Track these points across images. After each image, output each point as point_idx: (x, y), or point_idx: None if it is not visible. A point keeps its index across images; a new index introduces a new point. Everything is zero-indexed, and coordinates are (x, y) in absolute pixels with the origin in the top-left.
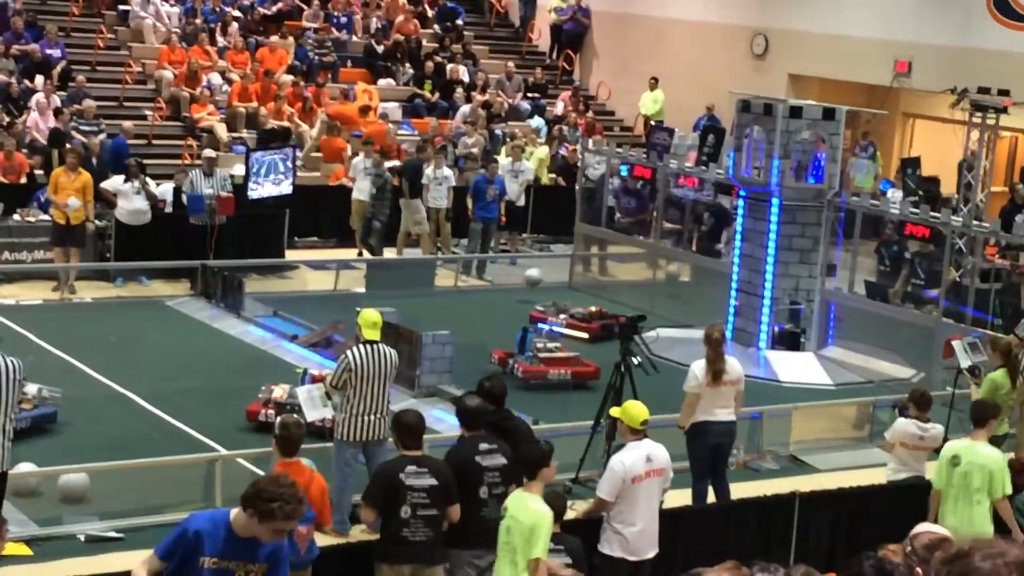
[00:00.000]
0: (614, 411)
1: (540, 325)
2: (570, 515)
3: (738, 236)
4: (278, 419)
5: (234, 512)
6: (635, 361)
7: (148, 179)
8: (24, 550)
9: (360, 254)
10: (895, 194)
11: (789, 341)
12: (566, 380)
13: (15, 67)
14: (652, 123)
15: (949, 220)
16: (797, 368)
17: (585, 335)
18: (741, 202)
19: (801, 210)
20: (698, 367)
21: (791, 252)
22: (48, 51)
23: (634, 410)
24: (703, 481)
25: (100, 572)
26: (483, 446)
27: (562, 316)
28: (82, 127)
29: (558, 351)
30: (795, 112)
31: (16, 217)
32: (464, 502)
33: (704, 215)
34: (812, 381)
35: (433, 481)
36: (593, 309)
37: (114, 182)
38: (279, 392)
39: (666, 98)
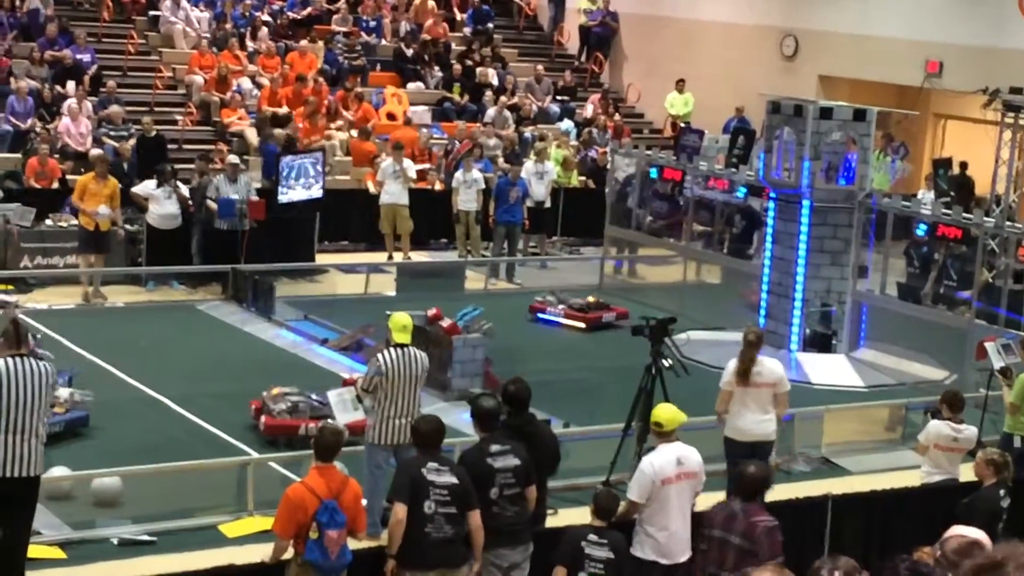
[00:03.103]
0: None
1: (539, 316)
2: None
3: (769, 238)
4: (319, 424)
5: None
6: (666, 363)
7: (179, 183)
8: (58, 553)
9: (390, 257)
10: (926, 195)
11: (820, 343)
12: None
13: (47, 73)
14: (681, 125)
15: (981, 221)
16: (829, 370)
17: (582, 325)
18: (771, 204)
19: (832, 211)
20: (730, 365)
21: (822, 254)
22: (79, 56)
23: (663, 414)
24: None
25: (133, 575)
26: (495, 447)
27: (561, 306)
28: (111, 133)
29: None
30: (825, 113)
31: (48, 222)
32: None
33: (734, 217)
34: (844, 383)
35: (454, 479)
36: (591, 300)
37: (146, 187)
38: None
39: (695, 100)
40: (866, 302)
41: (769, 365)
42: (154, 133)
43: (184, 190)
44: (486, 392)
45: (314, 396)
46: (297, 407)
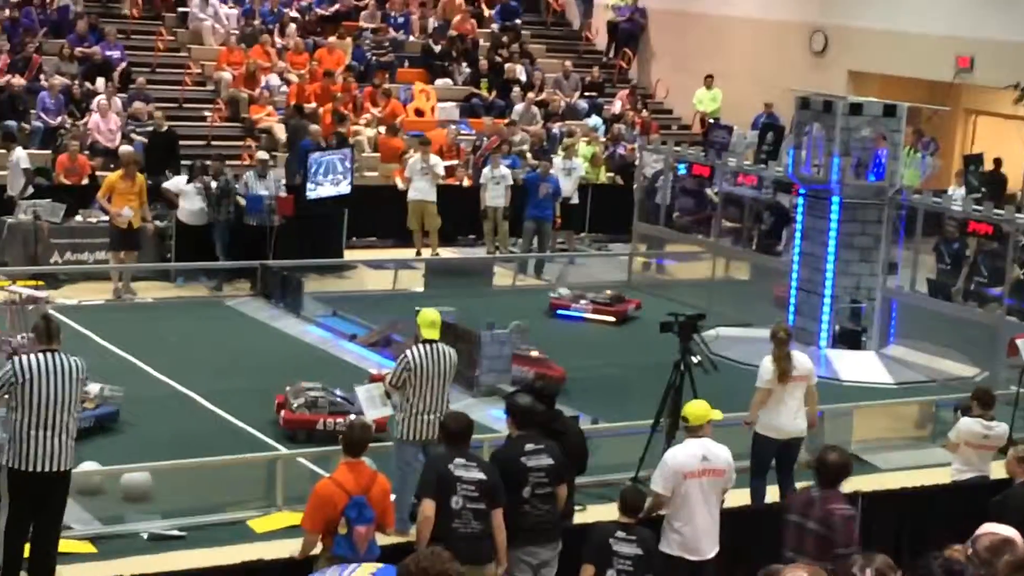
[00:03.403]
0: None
1: (560, 312)
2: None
3: (798, 234)
4: (349, 419)
5: None
6: (694, 360)
7: (210, 179)
8: (88, 547)
9: (418, 254)
10: (957, 191)
11: (850, 340)
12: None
13: (77, 70)
14: (710, 121)
15: (1013, 217)
16: (858, 367)
17: (612, 318)
18: (801, 200)
19: (862, 208)
20: (766, 364)
21: (852, 250)
22: (109, 53)
23: (690, 409)
24: (760, 478)
25: (163, 570)
26: (529, 446)
27: (583, 302)
28: (138, 129)
29: (528, 350)
30: (855, 109)
31: (78, 218)
32: (508, 501)
33: (763, 213)
34: (873, 380)
35: (482, 475)
36: (609, 292)
37: (176, 182)
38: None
39: (724, 96)
40: (896, 298)
41: (800, 358)
42: (165, 128)
43: (215, 186)
44: (520, 388)
45: (338, 392)
46: (316, 402)
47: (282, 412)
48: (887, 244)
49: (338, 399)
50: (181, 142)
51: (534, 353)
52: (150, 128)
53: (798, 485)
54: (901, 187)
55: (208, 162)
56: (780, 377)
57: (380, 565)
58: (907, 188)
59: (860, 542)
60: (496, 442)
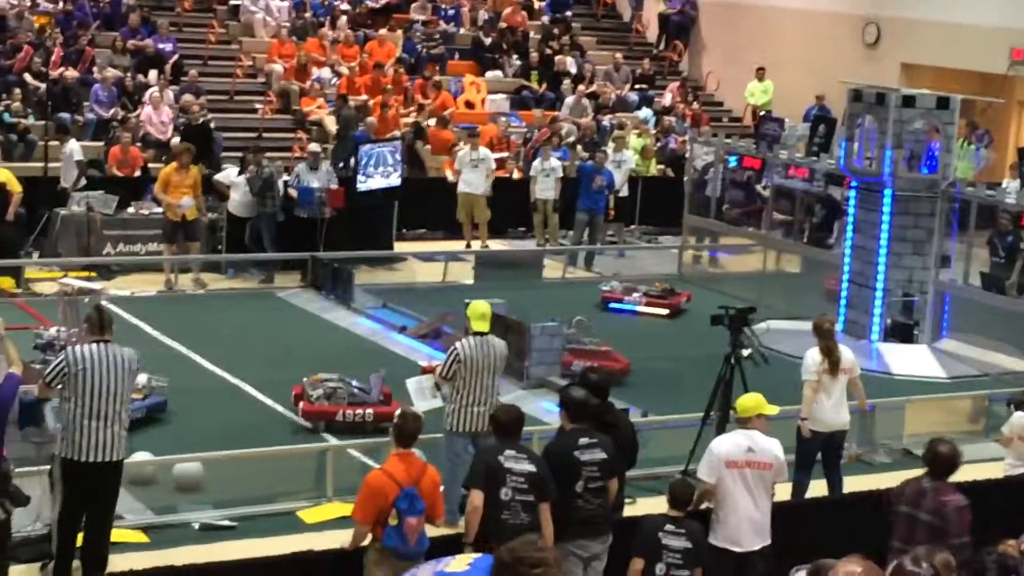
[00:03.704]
0: None
1: (611, 305)
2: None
3: (850, 227)
4: (398, 410)
5: None
6: (745, 353)
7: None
8: (140, 537)
9: (468, 246)
10: (1011, 184)
11: (902, 333)
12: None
13: (130, 62)
14: (761, 113)
15: None
16: (910, 361)
17: (665, 311)
18: (853, 193)
19: (914, 200)
20: (815, 356)
21: (904, 243)
22: (161, 46)
23: (739, 402)
24: (803, 471)
25: (214, 560)
26: (583, 440)
27: (635, 295)
28: (189, 122)
29: (589, 344)
30: (908, 101)
31: (131, 210)
32: (560, 494)
33: (815, 206)
34: (926, 374)
35: (532, 467)
36: (660, 285)
37: (227, 174)
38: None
39: (776, 88)
40: (949, 292)
41: (843, 350)
42: (201, 120)
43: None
44: (575, 381)
45: (355, 383)
46: (335, 393)
47: (300, 403)
48: (940, 237)
49: (355, 390)
50: (232, 134)
51: (596, 346)
52: (202, 121)
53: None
54: (954, 180)
55: (249, 154)
56: (832, 369)
57: (476, 555)
58: (960, 181)
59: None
60: (546, 434)
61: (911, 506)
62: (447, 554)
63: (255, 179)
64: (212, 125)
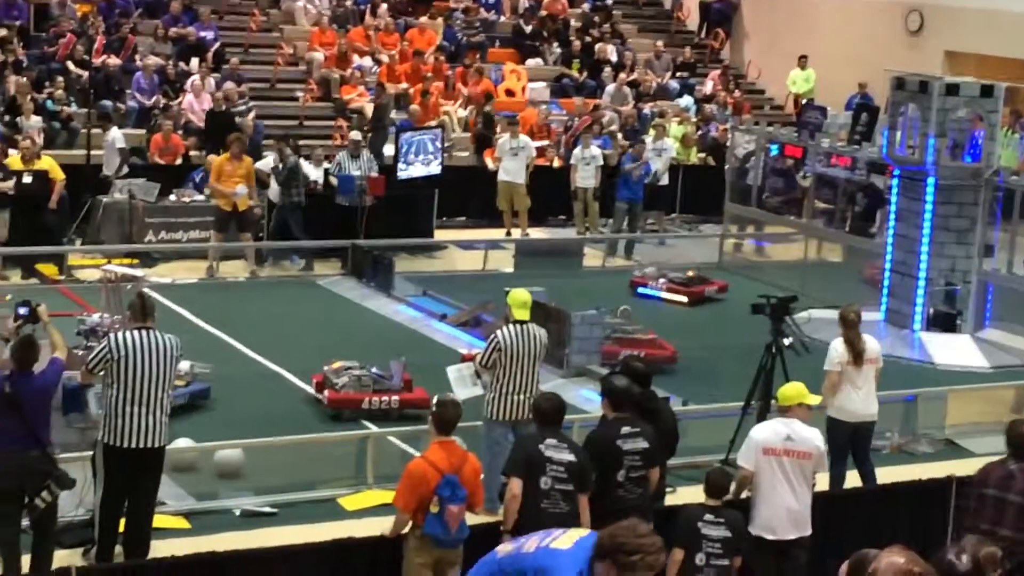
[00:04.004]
0: None
1: (640, 290)
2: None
3: (892, 216)
4: (435, 398)
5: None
6: (786, 342)
7: (301, 160)
8: (182, 523)
9: (508, 234)
10: None
11: (944, 323)
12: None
13: (171, 50)
14: (803, 102)
15: None
16: (953, 350)
17: (684, 299)
18: (895, 181)
19: (957, 189)
20: (839, 346)
21: (947, 232)
22: (203, 34)
23: (782, 389)
24: (839, 463)
25: (255, 546)
26: (625, 429)
27: (661, 280)
28: (230, 109)
29: (635, 332)
30: (951, 89)
31: (172, 197)
32: (601, 482)
33: (857, 195)
34: (968, 364)
35: (572, 457)
36: (691, 274)
37: (267, 163)
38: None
39: (818, 76)
40: (992, 281)
41: (869, 342)
42: (224, 108)
43: (306, 166)
44: (617, 371)
45: (375, 369)
46: (360, 380)
47: (325, 391)
48: (983, 226)
49: (378, 376)
50: (273, 122)
51: (642, 335)
52: (243, 108)
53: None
54: (998, 168)
55: (274, 142)
56: (855, 360)
57: (583, 533)
58: (1004, 169)
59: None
60: (586, 423)
61: (999, 489)
62: (486, 542)
63: (279, 169)
64: (252, 113)
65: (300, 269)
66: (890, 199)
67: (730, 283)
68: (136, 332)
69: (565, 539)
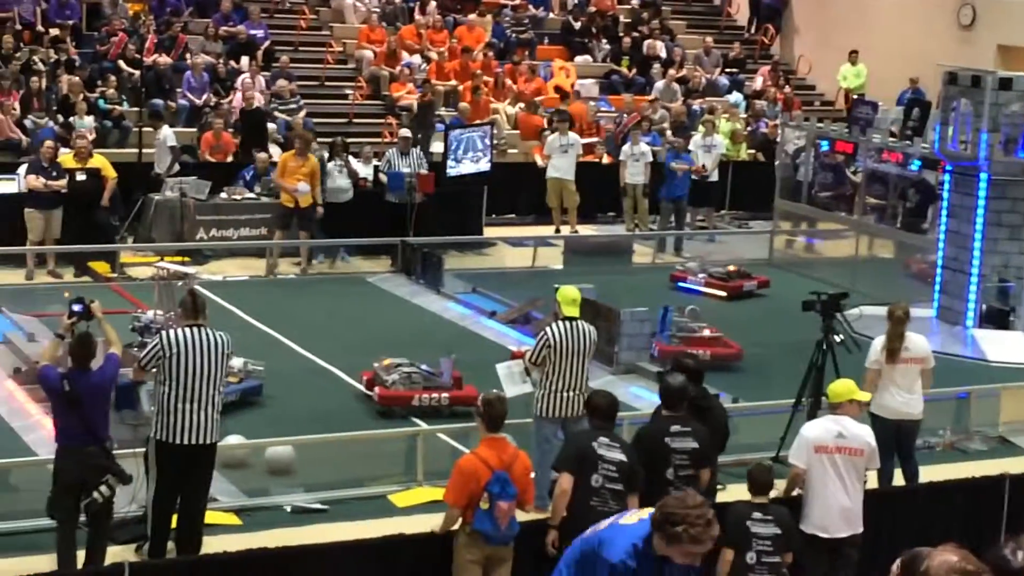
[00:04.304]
0: None
1: (680, 284)
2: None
3: (944, 212)
4: (480, 395)
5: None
6: (837, 339)
7: (350, 157)
8: (233, 519)
9: (557, 231)
10: None
11: (997, 319)
12: (705, 361)
13: (222, 49)
14: (854, 97)
15: None
16: (1006, 347)
17: (723, 293)
18: (947, 177)
19: (1011, 185)
20: (878, 343)
21: (1000, 228)
22: (253, 32)
23: (831, 387)
24: (885, 460)
25: (306, 543)
26: (675, 427)
27: (701, 275)
28: (280, 107)
29: (700, 331)
30: (1005, 84)
31: (223, 195)
32: (650, 480)
33: (908, 191)
34: (1022, 360)
35: (623, 457)
36: (732, 268)
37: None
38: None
39: (869, 71)
40: None
41: (916, 340)
42: (255, 106)
43: (355, 164)
44: (673, 369)
45: (424, 366)
46: (411, 378)
47: (376, 388)
48: None
49: (428, 373)
50: (322, 120)
51: (708, 332)
52: (294, 106)
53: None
54: None
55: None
56: (888, 356)
57: (649, 510)
58: None
59: None
60: (636, 420)
61: None
62: (537, 539)
63: (267, 162)
64: (303, 112)
65: (336, 263)
66: (942, 195)
67: (778, 279)
68: (187, 329)
69: (633, 516)
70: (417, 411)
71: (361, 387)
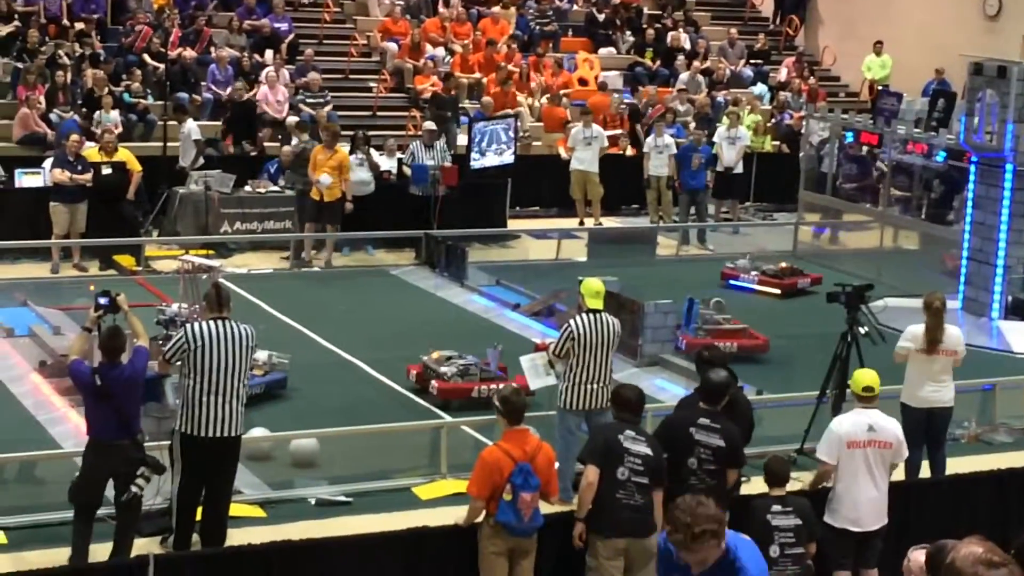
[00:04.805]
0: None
1: (732, 282)
2: (795, 486)
3: (969, 203)
4: (498, 389)
5: None
6: (862, 331)
7: (372, 150)
8: (258, 512)
9: (581, 223)
10: None
11: (1023, 311)
12: (732, 353)
13: (246, 42)
14: (879, 88)
15: None
16: None
17: (777, 291)
18: (973, 168)
19: None
20: (915, 330)
21: None
22: (277, 25)
23: (859, 377)
24: (913, 451)
25: (330, 535)
26: (703, 420)
27: (753, 273)
28: (308, 100)
29: (726, 323)
30: None
31: (247, 188)
32: (673, 469)
33: (933, 182)
34: None
35: (649, 451)
36: (783, 265)
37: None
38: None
39: (894, 62)
40: None
41: (952, 332)
42: (245, 98)
43: (376, 156)
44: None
45: (470, 358)
46: (468, 370)
47: (434, 382)
48: None
49: (483, 366)
50: (347, 113)
51: (734, 324)
52: (321, 100)
53: None
54: None
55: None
56: (929, 347)
57: None
58: None
59: None
60: (659, 412)
61: None
62: (561, 531)
63: (291, 156)
64: (329, 105)
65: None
66: (967, 186)
67: (818, 276)
68: (212, 322)
69: None
70: (475, 403)
71: (409, 381)
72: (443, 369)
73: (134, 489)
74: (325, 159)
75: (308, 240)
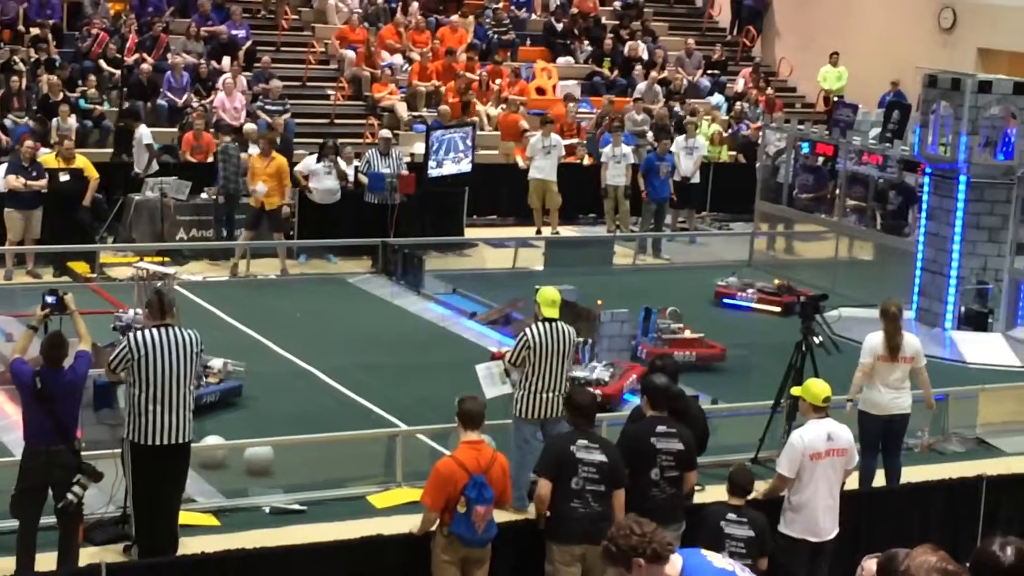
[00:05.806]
0: (796, 390)
1: (727, 301)
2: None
3: (923, 214)
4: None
5: None
6: (816, 341)
7: (339, 158)
8: (211, 520)
9: (538, 232)
10: None
11: (976, 321)
12: (690, 362)
13: (203, 49)
14: (835, 99)
15: None
16: (984, 349)
17: (778, 309)
18: (927, 179)
19: (990, 187)
20: (874, 340)
21: (979, 230)
22: (234, 32)
23: (816, 388)
24: (868, 456)
25: (284, 543)
26: (660, 428)
27: (750, 291)
28: (267, 107)
29: (681, 332)
30: (984, 87)
31: (203, 195)
32: (634, 480)
33: (888, 193)
34: (1000, 362)
35: (603, 457)
36: (777, 282)
37: (307, 163)
38: None
39: (850, 73)
40: None
41: (909, 339)
42: (196, 104)
43: (343, 165)
44: (651, 368)
45: None
46: None
47: None
48: (1015, 224)
49: None
50: (305, 120)
51: (688, 333)
52: (281, 107)
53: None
54: None
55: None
56: (891, 354)
57: None
58: None
59: None
60: (615, 421)
61: None
62: (515, 541)
63: (226, 160)
64: (288, 113)
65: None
66: (922, 197)
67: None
68: (155, 330)
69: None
70: None
71: (341, 387)
72: None
73: (71, 496)
74: (262, 167)
75: (239, 249)
